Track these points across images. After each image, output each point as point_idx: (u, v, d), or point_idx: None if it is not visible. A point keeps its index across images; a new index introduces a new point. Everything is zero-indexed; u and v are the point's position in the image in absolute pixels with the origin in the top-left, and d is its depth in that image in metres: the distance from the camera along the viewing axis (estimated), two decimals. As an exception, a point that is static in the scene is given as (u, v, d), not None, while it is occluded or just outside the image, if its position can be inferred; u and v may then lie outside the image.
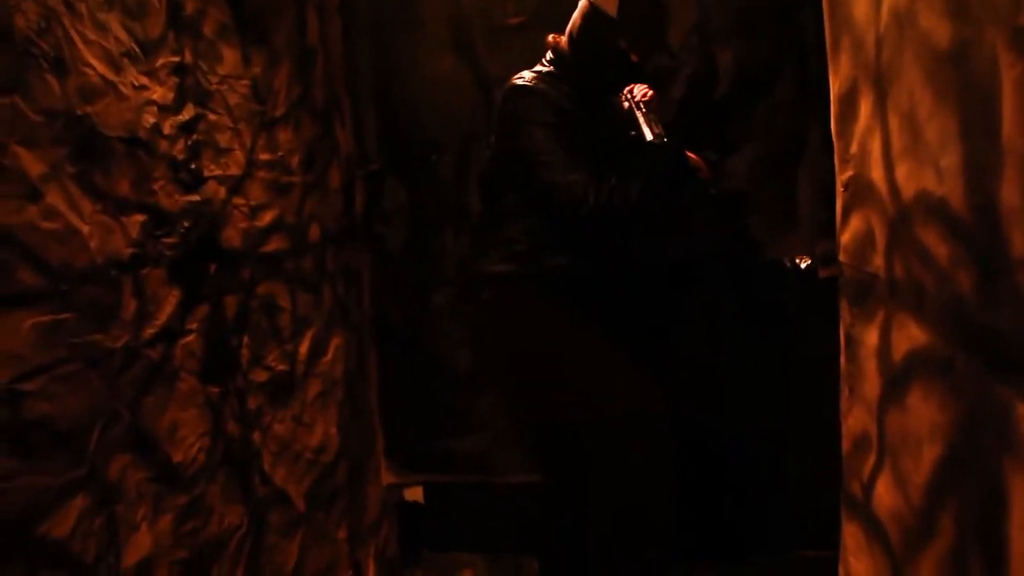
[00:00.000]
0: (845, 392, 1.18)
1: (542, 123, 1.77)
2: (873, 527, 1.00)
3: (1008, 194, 0.56)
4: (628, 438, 1.71)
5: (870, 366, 1.01)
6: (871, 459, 1.01)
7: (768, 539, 2.34)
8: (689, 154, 1.93)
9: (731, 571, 2.27)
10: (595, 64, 1.86)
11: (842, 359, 1.20)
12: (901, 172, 0.83)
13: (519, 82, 1.86)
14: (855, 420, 1.11)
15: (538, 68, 1.93)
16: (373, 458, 2.59)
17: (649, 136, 1.89)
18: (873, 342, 0.99)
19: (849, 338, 1.15)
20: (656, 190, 1.81)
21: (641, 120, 1.90)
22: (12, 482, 1.30)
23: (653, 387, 1.78)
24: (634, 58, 1.84)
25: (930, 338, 0.77)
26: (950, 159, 0.68)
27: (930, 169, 0.73)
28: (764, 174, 2.24)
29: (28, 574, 1.32)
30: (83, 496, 1.43)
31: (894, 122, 0.85)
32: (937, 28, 0.69)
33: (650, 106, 1.96)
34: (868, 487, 1.02)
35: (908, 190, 0.80)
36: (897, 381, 0.88)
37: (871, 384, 1.01)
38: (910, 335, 0.82)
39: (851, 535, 1.12)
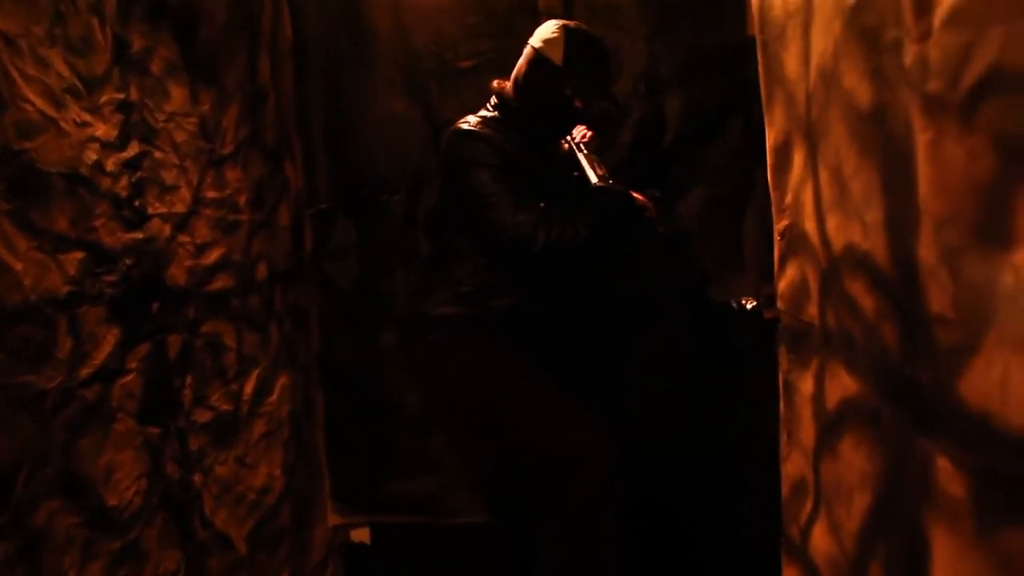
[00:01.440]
0: (784, 437, 1.20)
1: (487, 165, 1.78)
2: (810, 571, 1.01)
3: (924, 252, 0.58)
4: (573, 481, 1.70)
5: (806, 413, 1.03)
6: (808, 505, 1.01)
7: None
8: (635, 194, 1.95)
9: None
10: (540, 110, 1.88)
11: (781, 404, 1.21)
12: (831, 224, 0.85)
13: (463, 126, 1.87)
14: (793, 465, 1.12)
15: (482, 113, 1.94)
16: (319, 499, 2.52)
17: (593, 178, 1.91)
18: (809, 389, 1.01)
19: (787, 384, 1.17)
20: (604, 229, 1.83)
21: (584, 161, 1.93)
22: (-75, 533, 1.23)
23: (598, 431, 1.77)
24: (578, 104, 1.87)
25: (860, 388, 0.78)
26: (873, 215, 0.70)
27: (856, 223, 0.75)
28: (712, 216, 2.28)
29: (-58, 630, 1.24)
30: (4, 545, 1.36)
31: (824, 175, 0.87)
32: (858, 89, 0.72)
33: (590, 147, 1.99)
34: (805, 532, 1.03)
35: (837, 242, 0.82)
36: (831, 429, 0.89)
37: (807, 431, 1.02)
38: (842, 384, 0.84)
39: (787, 574, 1.13)
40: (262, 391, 2.18)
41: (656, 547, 2.31)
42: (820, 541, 0.96)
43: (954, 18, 0.50)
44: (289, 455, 2.31)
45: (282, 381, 2.29)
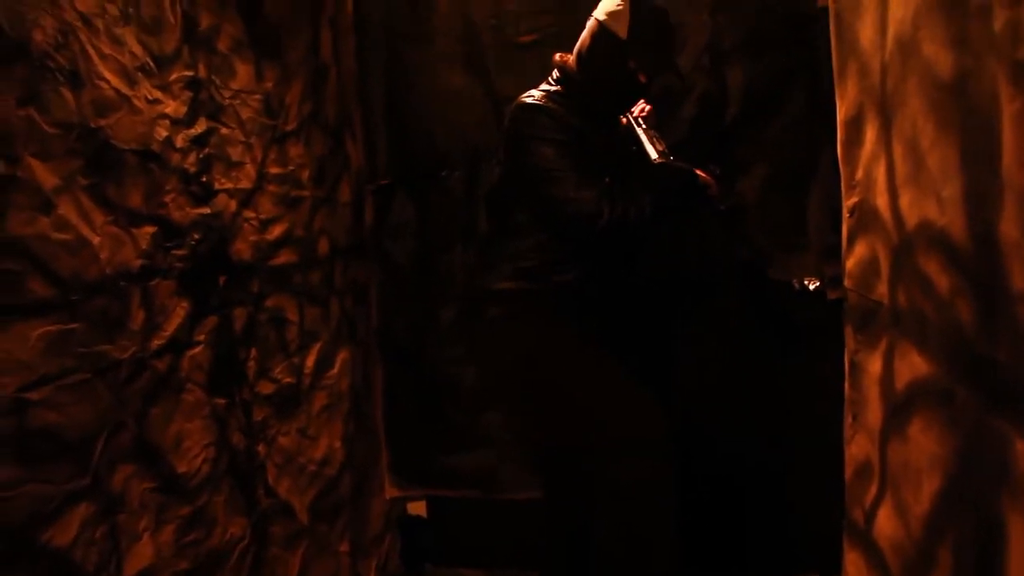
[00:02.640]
0: (848, 419, 1.17)
1: (551, 140, 1.78)
2: (874, 555, 0.99)
3: (1007, 227, 0.56)
4: (631, 460, 1.70)
5: (873, 394, 1.01)
6: (873, 488, 1.00)
7: (771, 560, 2.31)
8: (698, 171, 1.93)
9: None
10: (603, 84, 1.86)
11: (846, 385, 1.19)
12: (904, 200, 0.83)
13: (527, 100, 1.87)
14: (858, 447, 1.10)
15: (545, 87, 1.93)
16: (377, 472, 2.59)
17: (653, 154, 1.88)
18: (877, 370, 0.99)
19: (853, 364, 1.14)
20: (668, 206, 1.81)
21: (643, 137, 1.90)
22: (16, 490, 1.31)
23: (657, 409, 1.77)
24: (642, 79, 1.84)
25: (931, 368, 0.76)
26: (951, 189, 0.68)
27: (932, 198, 0.73)
28: (774, 194, 2.23)
29: (29, 582, 1.32)
30: (86, 505, 1.44)
31: (898, 150, 0.84)
32: (939, 58, 0.69)
33: (649, 121, 1.96)
34: (870, 515, 1.01)
35: (911, 219, 0.80)
36: (899, 410, 0.88)
37: (874, 412, 1.00)
38: (912, 364, 0.82)
39: (852, 562, 1.11)
40: (323, 365, 2.24)
41: (709, 527, 2.30)
42: (885, 525, 0.94)
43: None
44: (349, 428, 2.38)
45: (342, 355, 2.35)
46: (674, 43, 2.00)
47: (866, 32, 0.97)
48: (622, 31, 1.77)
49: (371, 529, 2.52)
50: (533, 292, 1.84)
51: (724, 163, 2.17)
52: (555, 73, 1.96)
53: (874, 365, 1.00)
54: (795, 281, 2.08)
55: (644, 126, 2.00)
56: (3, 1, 1.31)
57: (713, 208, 2.02)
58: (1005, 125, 0.56)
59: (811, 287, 2.20)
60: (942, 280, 0.71)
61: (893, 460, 0.91)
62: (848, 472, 1.16)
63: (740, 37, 2.22)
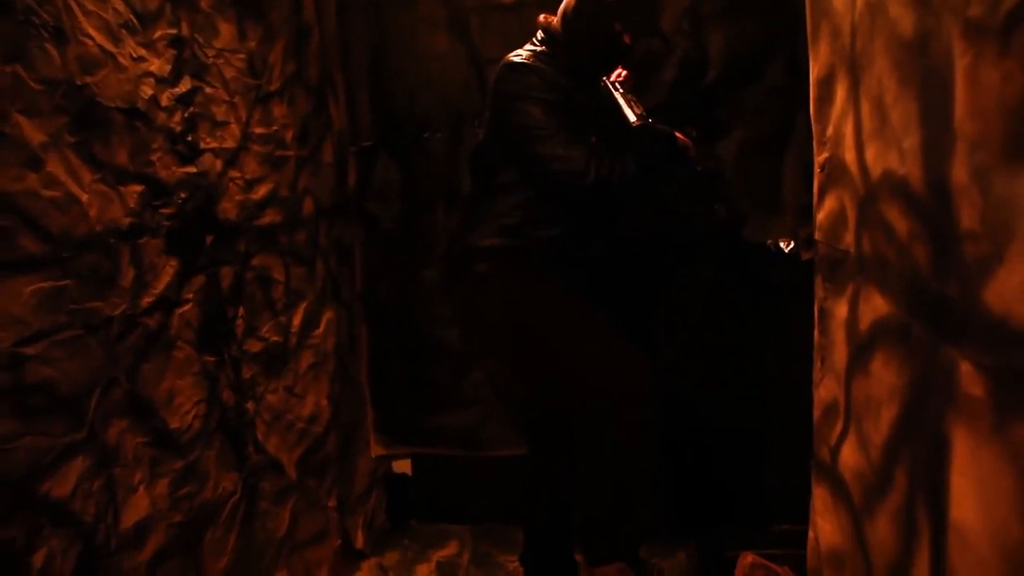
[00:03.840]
0: (817, 364, 1.25)
1: (539, 99, 1.81)
2: (838, 488, 1.07)
3: (958, 173, 0.62)
4: (615, 413, 1.77)
5: (839, 337, 1.08)
6: (839, 425, 1.07)
7: (749, 512, 2.42)
8: (677, 133, 1.98)
9: (711, 542, 2.35)
10: (588, 45, 1.90)
11: (815, 332, 1.26)
12: (870, 153, 0.89)
13: (515, 59, 1.90)
14: (826, 389, 1.18)
15: (530, 47, 1.96)
16: (362, 430, 2.65)
17: (632, 117, 1.92)
18: (843, 314, 1.06)
19: (822, 312, 1.22)
20: (651, 167, 1.86)
21: (621, 101, 1.94)
22: (14, 443, 1.34)
23: (641, 362, 1.84)
24: (627, 40, 1.88)
25: (891, 308, 0.83)
26: (911, 141, 0.74)
27: (894, 150, 0.79)
28: (751, 157, 2.30)
29: (31, 531, 1.36)
30: (83, 458, 1.48)
31: (865, 106, 0.90)
32: (903, 18, 0.75)
33: (626, 86, 2.01)
34: (835, 451, 1.09)
35: (876, 170, 0.87)
36: (862, 349, 0.95)
37: (840, 354, 1.08)
38: (874, 306, 0.89)
39: (819, 497, 1.19)
40: (309, 324, 2.29)
41: (689, 482, 2.40)
42: (849, 458, 1.02)
43: (994, -54, 0.54)
44: (335, 387, 2.43)
45: (328, 315, 2.40)
46: (658, 5, 2.03)
47: (837, -5, 1.02)
48: (608, -9, 1.81)
49: (357, 486, 2.59)
50: (518, 249, 1.88)
51: (703, 126, 2.22)
52: (539, 34, 1.98)
53: (840, 310, 1.07)
54: (769, 242, 2.15)
55: (621, 90, 2.04)
56: (-15, -45, 1.32)
57: (691, 170, 2.07)
58: (958, 79, 0.61)
59: (785, 249, 2.28)
60: (902, 225, 0.78)
61: (856, 396, 0.99)
62: (816, 414, 1.24)
63: (720, 2, 2.26)
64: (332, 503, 2.40)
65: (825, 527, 1.15)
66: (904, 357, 0.78)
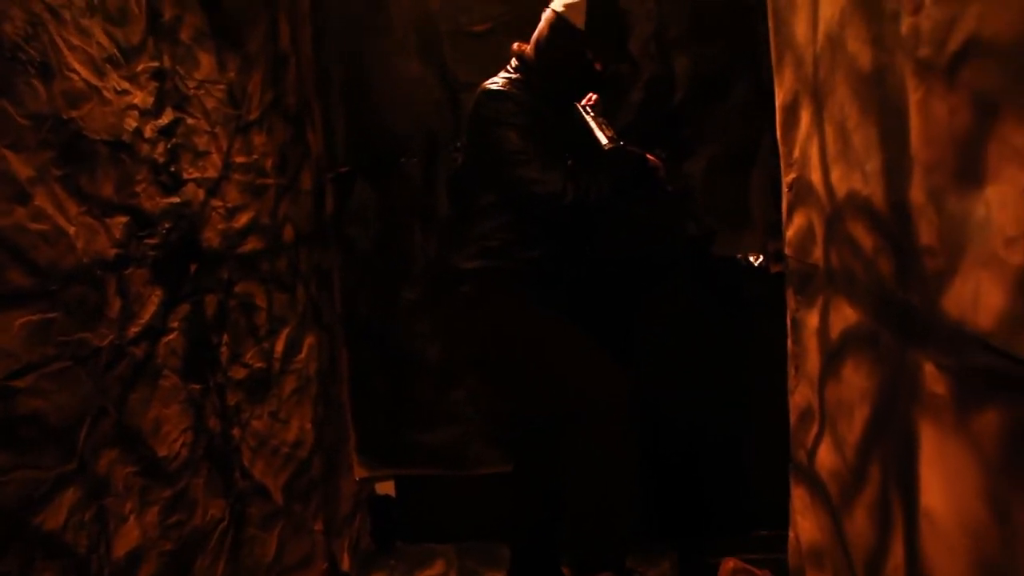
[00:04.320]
0: (792, 371, 1.32)
1: (516, 125, 1.88)
2: (816, 488, 1.14)
3: (915, 194, 0.70)
4: (597, 424, 1.83)
5: (812, 345, 1.15)
6: (814, 428, 1.14)
7: (729, 519, 2.48)
8: (647, 155, 2.06)
9: (693, 551, 2.41)
10: (561, 72, 1.98)
11: (789, 342, 1.34)
12: (835, 175, 0.97)
13: (492, 87, 1.97)
14: (800, 395, 1.25)
15: (505, 74, 2.03)
16: (345, 453, 2.67)
17: (604, 140, 2.00)
18: (814, 324, 1.14)
19: (794, 322, 1.29)
20: (623, 188, 1.94)
21: (593, 125, 2.02)
22: (6, 475, 1.35)
23: (620, 375, 1.90)
24: (598, 67, 1.97)
25: (860, 317, 0.90)
26: (872, 164, 0.82)
27: (857, 172, 0.87)
28: (719, 175, 2.39)
29: (24, 564, 1.37)
30: (74, 489, 1.49)
31: (829, 131, 0.98)
32: (861, 53, 0.83)
33: (597, 109, 2.09)
34: (811, 453, 1.16)
35: (841, 190, 0.94)
36: (834, 356, 1.02)
37: (813, 361, 1.15)
38: (844, 315, 0.96)
39: (798, 497, 1.26)
40: (292, 349, 2.31)
41: (670, 492, 2.46)
42: (825, 458, 1.09)
43: (939, -5, 0.62)
44: (318, 411, 2.45)
45: (309, 340, 2.42)
46: (627, 33, 2.12)
47: (800, 28, 1.10)
48: (579, 22, 1.89)
49: (342, 509, 2.61)
50: (500, 270, 1.95)
51: (671, 145, 2.32)
52: (514, 61, 2.06)
53: (812, 320, 1.15)
54: (740, 256, 2.24)
55: (592, 114, 2.12)
56: (-29, -6, 1.34)
57: (661, 189, 2.15)
58: (912, 110, 0.69)
59: (755, 263, 2.37)
60: (867, 241, 0.85)
61: (830, 400, 1.06)
62: (793, 419, 1.31)
63: (685, 26, 2.36)
64: (318, 527, 2.41)
65: (805, 526, 1.22)
66: (873, 361, 0.86)
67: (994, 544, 0.58)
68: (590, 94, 2.16)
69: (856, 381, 0.92)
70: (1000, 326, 0.55)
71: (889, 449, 0.80)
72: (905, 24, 0.68)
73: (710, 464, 2.50)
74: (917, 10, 0.65)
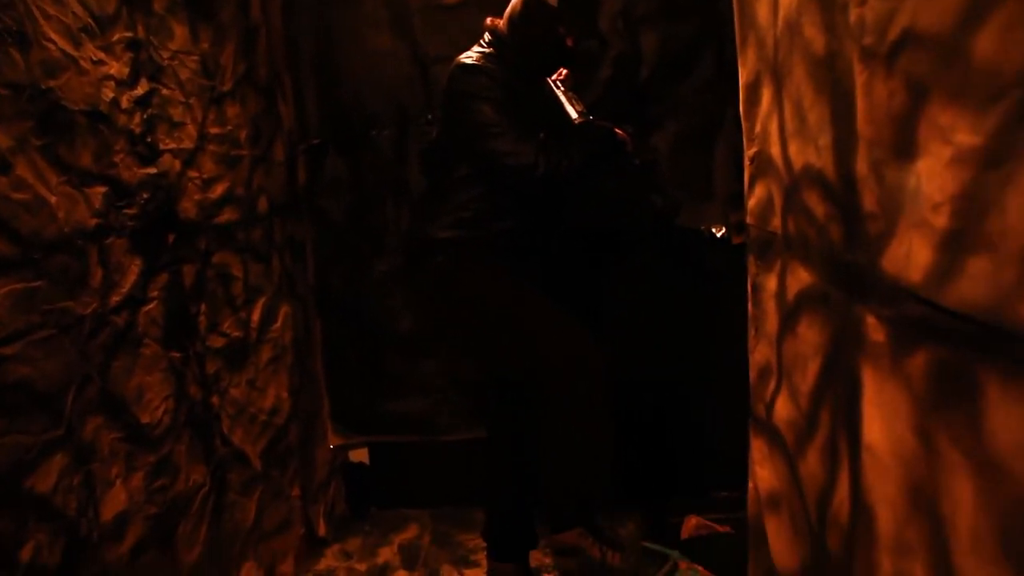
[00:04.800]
0: (752, 332, 1.43)
1: (489, 99, 1.95)
2: (774, 438, 1.25)
3: (860, 166, 0.79)
4: (568, 385, 1.93)
5: (771, 307, 1.26)
6: (772, 383, 1.25)
7: (693, 480, 2.62)
8: (616, 129, 2.15)
9: (657, 511, 2.54)
10: (535, 48, 2.05)
11: (749, 305, 1.44)
12: (792, 149, 1.06)
13: (466, 61, 2.03)
14: (760, 354, 1.36)
15: (479, 49, 2.10)
16: (320, 421, 2.74)
17: (573, 114, 2.08)
18: (772, 287, 1.24)
19: (755, 286, 1.40)
20: (593, 161, 2.03)
21: (563, 99, 2.10)
22: (-1, 440, 1.41)
23: (590, 341, 2.00)
24: (569, 43, 2.04)
25: (813, 278, 1.00)
26: (824, 139, 0.91)
27: (812, 146, 0.96)
28: (684, 150, 2.49)
29: (18, 525, 1.43)
30: (62, 454, 1.54)
31: (787, 108, 1.08)
32: (815, 39, 0.92)
33: (567, 84, 2.17)
34: (769, 406, 1.27)
35: (797, 163, 1.04)
36: (790, 315, 1.12)
37: (771, 321, 1.26)
38: (799, 278, 1.06)
39: (757, 448, 1.37)
40: (268, 319, 2.37)
41: (634, 453, 2.58)
42: (782, 410, 1.20)
43: (882, -11, 0.71)
44: (294, 379, 2.52)
45: (284, 310, 2.48)
46: (597, 9, 2.19)
47: (762, 11, 1.19)
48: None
49: (318, 476, 2.68)
50: (474, 240, 2.02)
51: (638, 120, 2.40)
52: (487, 36, 2.12)
53: (771, 283, 1.25)
54: (703, 228, 2.35)
55: (562, 88, 2.19)
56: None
57: (629, 163, 2.24)
58: (857, 92, 0.78)
59: (718, 234, 2.48)
60: (819, 209, 0.95)
61: (787, 356, 1.16)
62: (752, 376, 1.42)
63: (653, 4, 2.44)
64: (295, 492, 2.49)
65: (763, 474, 1.34)
66: (825, 318, 0.96)
67: (921, 468, 0.69)
68: (560, 69, 2.24)
69: (809, 336, 1.03)
70: (927, 280, 0.65)
71: (837, 394, 0.91)
72: (853, 14, 0.77)
73: (674, 429, 2.62)
74: (863, 2, 0.74)
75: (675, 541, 2.14)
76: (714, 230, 2.47)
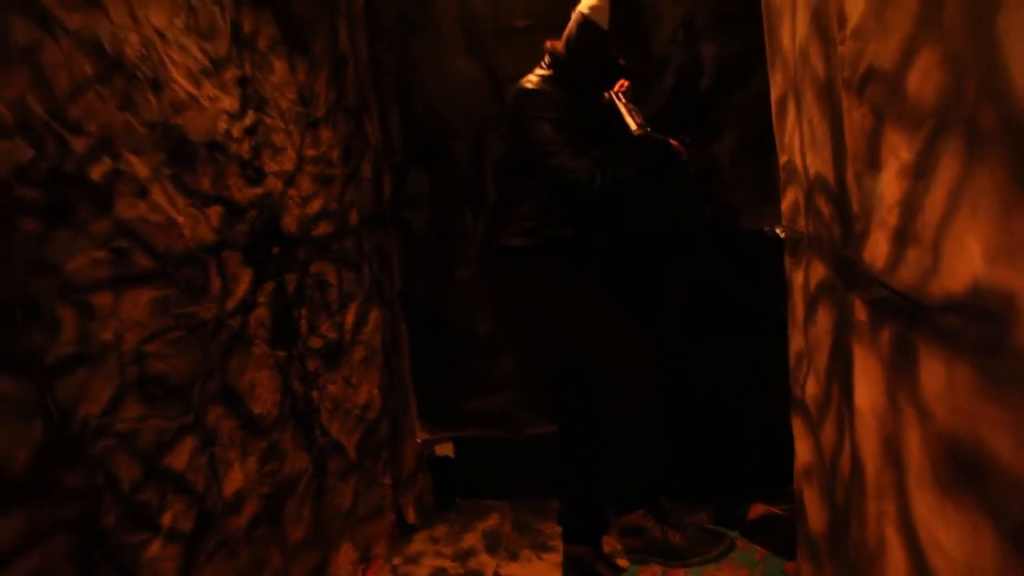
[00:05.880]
0: (790, 323, 1.60)
1: (548, 119, 2.19)
2: (806, 415, 1.41)
3: (849, 176, 0.97)
4: (624, 379, 2.14)
5: (799, 298, 1.43)
6: (804, 367, 1.42)
7: (764, 475, 2.74)
8: (671, 140, 2.33)
9: (726, 503, 2.68)
10: (588, 68, 2.27)
11: (789, 299, 1.61)
12: (809, 159, 1.23)
13: (527, 86, 2.27)
14: (795, 342, 1.53)
15: (539, 71, 2.33)
16: (408, 418, 3.02)
17: (633, 126, 2.28)
18: (800, 280, 1.41)
19: (790, 281, 1.56)
20: (648, 172, 2.23)
21: (624, 111, 2.30)
22: (143, 423, 1.72)
23: (643, 338, 2.21)
24: (621, 62, 2.25)
25: (826, 271, 1.17)
26: (827, 152, 1.08)
27: (820, 158, 1.14)
28: (745, 156, 2.64)
29: (160, 496, 1.74)
30: (192, 438, 1.85)
31: (804, 124, 1.25)
32: (818, 67, 1.09)
33: (627, 96, 2.36)
34: (803, 387, 1.44)
35: (812, 171, 1.21)
36: (812, 304, 1.29)
37: (799, 311, 1.43)
38: (817, 271, 1.23)
39: (796, 427, 1.53)
40: (360, 323, 2.66)
41: (702, 451, 2.73)
42: (810, 388, 1.36)
43: (854, 33, 0.88)
44: (384, 378, 2.80)
45: (374, 314, 2.77)
46: (648, 30, 2.38)
47: (785, 37, 1.37)
48: (604, 22, 2.18)
49: (407, 468, 2.96)
50: (537, 247, 2.26)
51: (700, 128, 2.57)
52: (547, 58, 2.35)
53: (799, 278, 1.42)
54: (766, 229, 2.49)
55: (623, 100, 2.39)
56: (101, 24, 1.68)
57: (684, 172, 2.42)
58: (844, 114, 0.96)
59: (781, 234, 2.61)
60: (826, 211, 1.12)
61: (811, 340, 1.33)
62: (791, 362, 1.59)
63: (713, 17, 2.61)
64: (387, 481, 2.77)
65: (801, 449, 1.50)
66: (832, 304, 1.13)
67: (890, 423, 0.86)
68: (622, 80, 2.44)
69: (823, 322, 1.20)
70: (886, 268, 0.83)
71: (840, 368, 1.08)
72: (839, 50, 0.95)
73: (749, 425, 2.74)
74: (843, 41, 0.92)
75: (740, 526, 2.28)
76: (777, 230, 2.60)
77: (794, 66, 1.30)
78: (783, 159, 1.55)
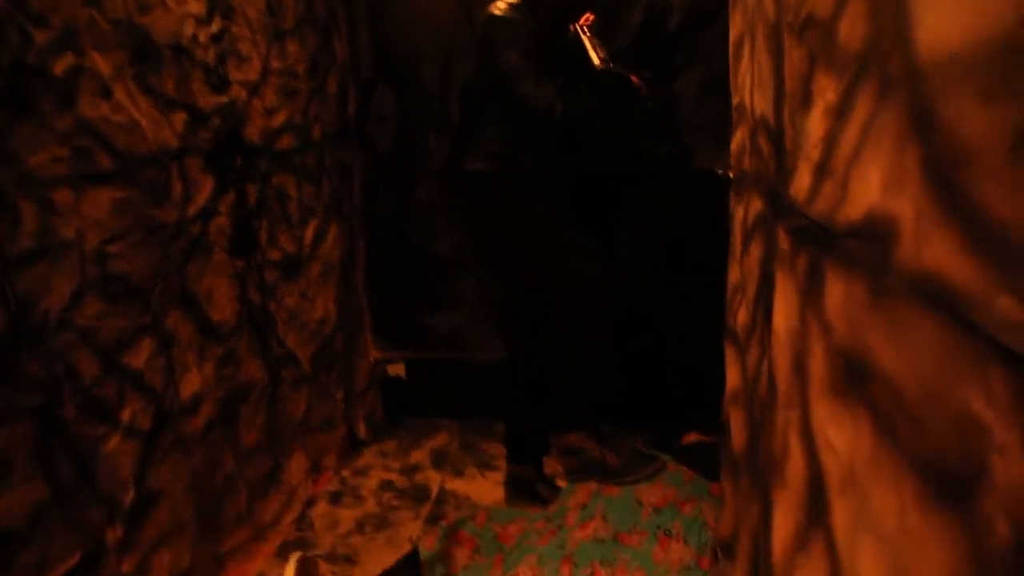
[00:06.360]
0: (729, 257, 1.71)
1: (516, 46, 2.23)
2: (736, 343, 1.54)
3: (785, 114, 1.06)
4: (580, 303, 2.25)
5: (738, 232, 1.53)
6: (738, 297, 1.53)
7: (693, 407, 2.90)
8: (632, 76, 2.39)
9: (664, 432, 2.84)
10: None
11: (731, 234, 1.72)
12: (756, 99, 1.32)
13: (496, 12, 2.31)
14: (732, 273, 1.65)
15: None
16: (362, 334, 3.11)
17: (596, 60, 2.33)
18: (740, 216, 1.51)
19: (732, 217, 1.67)
20: (607, 105, 2.30)
21: (588, 45, 2.35)
22: (104, 321, 1.77)
23: (602, 266, 2.31)
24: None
25: (761, 205, 1.27)
26: (770, 92, 1.17)
27: (763, 97, 1.22)
28: (709, 95, 2.72)
29: (118, 393, 1.80)
30: (150, 339, 1.91)
31: (755, 65, 1.33)
32: (769, 10, 1.17)
33: (592, 30, 2.41)
34: (734, 316, 1.56)
35: (757, 111, 1.30)
36: (748, 238, 1.40)
37: (737, 245, 1.54)
38: (755, 206, 1.33)
39: (728, 354, 1.67)
40: (318, 237, 2.71)
41: (645, 380, 2.88)
42: (740, 317, 1.48)
43: (796, -20, 0.97)
44: (340, 293, 2.87)
45: (333, 229, 2.82)
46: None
47: (744, -19, 1.44)
48: (575, -50, 2.21)
49: (359, 383, 3.06)
50: (503, 173, 2.33)
51: (665, 66, 2.63)
52: (515, -14, 2.38)
53: (740, 213, 1.52)
54: (719, 169, 2.59)
55: (588, 34, 2.43)
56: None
57: (642, 107, 2.49)
58: (786, 56, 1.04)
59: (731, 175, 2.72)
60: (766, 149, 1.21)
61: (744, 272, 1.44)
62: (728, 294, 1.71)
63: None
64: (339, 395, 2.87)
65: (731, 375, 1.63)
66: (764, 236, 1.23)
67: (799, 341, 0.97)
68: (588, 14, 2.47)
69: (756, 252, 1.30)
70: (806, 199, 0.92)
71: (764, 288, 1.19)
72: (784, -5, 1.03)
73: (690, 358, 2.89)
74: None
75: (672, 451, 2.44)
76: (730, 173, 2.70)
77: (752, 8, 1.37)
78: (735, 100, 1.64)
